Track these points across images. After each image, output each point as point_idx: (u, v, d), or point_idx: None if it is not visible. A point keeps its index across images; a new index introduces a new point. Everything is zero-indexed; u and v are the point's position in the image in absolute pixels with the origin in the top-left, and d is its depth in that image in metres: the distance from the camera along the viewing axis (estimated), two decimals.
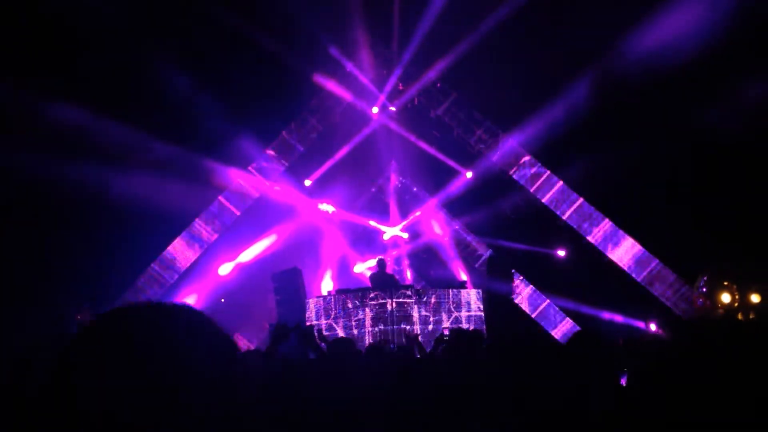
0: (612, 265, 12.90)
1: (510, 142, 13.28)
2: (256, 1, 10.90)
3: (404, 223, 14.95)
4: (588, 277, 12.70)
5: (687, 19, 9.15)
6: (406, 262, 14.98)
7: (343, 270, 14.44)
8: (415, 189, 15.39)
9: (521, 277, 14.15)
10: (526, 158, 13.39)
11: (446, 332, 10.06)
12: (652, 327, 11.98)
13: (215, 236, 13.16)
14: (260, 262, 12.97)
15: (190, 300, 12.26)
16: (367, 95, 13.50)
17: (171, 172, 10.68)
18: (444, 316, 10.77)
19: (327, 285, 13.69)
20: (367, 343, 10.14)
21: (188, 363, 0.93)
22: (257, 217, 13.24)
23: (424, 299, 10.76)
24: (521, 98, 11.56)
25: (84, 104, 9.73)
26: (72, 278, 9.60)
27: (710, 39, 8.80)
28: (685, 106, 10.03)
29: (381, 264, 11.30)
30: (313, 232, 13.92)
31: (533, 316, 14.15)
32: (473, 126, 13.59)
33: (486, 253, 14.44)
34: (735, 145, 9.69)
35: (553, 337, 12.43)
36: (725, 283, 11.30)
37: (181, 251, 12.94)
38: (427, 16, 11.49)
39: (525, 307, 14.16)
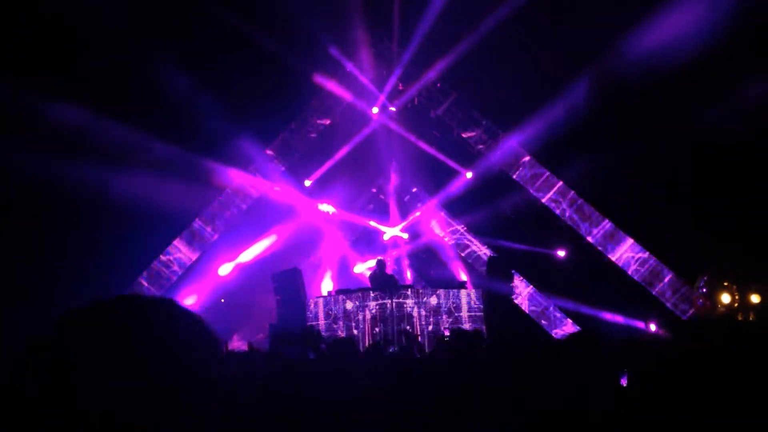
0: (612, 265, 12.90)
1: (510, 142, 13.27)
2: (256, 1, 10.90)
3: (404, 223, 14.95)
4: (588, 277, 12.69)
5: (687, 19, 9.15)
6: (406, 262, 14.98)
7: (343, 270, 14.44)
8: (415, 189, 15.40)
9: (521, 278, 14.15)
10: (526, 158, 13.39)
11: (446, 333, 10.07)
12: (652, 327, 11.98)
13: (215, 236, 13.16)
14: (260, 262, 12.96)
15: (190, 300, 12.27)
16: (367, 95, 13.50)
17: (171, 172, 10.68)
18: (444, 316, 10.77)
19: (327, 285, 13.69)
20: (366, 343, 10.14)
21: (165, 357, 0.93)
22: (257, 217, 13.24)
23: (424, 299, 10.76)
24: (521, 98, 11.56)
25: (84, 104, 9.73)
26: (72, 278, 9.59)
27: (710, 39, 8.80)
28: (685, 106, 10.03)
29: (381, 264, 11.30)
30: (313, 232, 13.92)
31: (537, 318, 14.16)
32: (473, 126, 13.60)
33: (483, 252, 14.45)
34: (735, 145, 9.69)
35: (553, 337, 12.42)
36: (725, 283, 11.30)
37: (181, 251, 12.94)
38: (427, 16, 11.49)
39: (525, 307, 14.17)
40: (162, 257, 12.77)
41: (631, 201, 11.84)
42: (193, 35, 10.80)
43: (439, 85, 13.50)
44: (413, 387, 3.13)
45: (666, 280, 12.65)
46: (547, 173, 13.27)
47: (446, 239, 14.94)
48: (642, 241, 12.72)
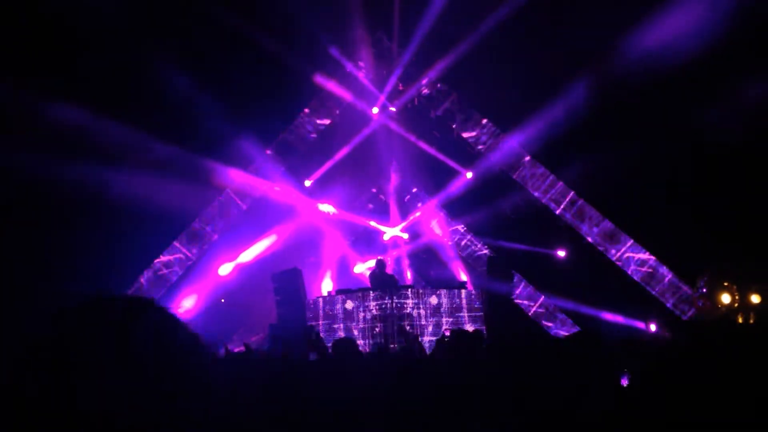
0: (612, 265, 12.90)
1: (510, 142, 13.27)
2: (256, 1, 10.90)
3: (404, 223, 14.95)
4: (588, 277, 12.69)
5: (687, 19, 9.15)
6: (406, 262, 14.98)
7: (343, 270, 14.44)
8: (415, 189, 15.40)
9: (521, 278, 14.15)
10: (526, 158, 13.39)
11: (447, 333, 10.07)
12: (652, 327, 11.98)
13: (215, 236, 13.16)
14: (260, 262, 12.96)
15: (190, 300, 12.27)
16: (367, 95, 13.50)
17: (171, 172, 10.67)
18: (444, 316, 10.77)
19: (327, 285, 13.69)
20: (366, 343, 10.15)
21: (156, 357, 0.92)
22: (257, 217, 13.24)
23: (424, 299, 10.76)
24: (521, 98, 11.56)
25: (84, 104, 9.72)
26: (72, 278, 9.58)
27: (710, 39, 8.80)
28: (685, 106, 10.02)
29: (381, 264, 11.31)
30: (313, 232, 13.92)
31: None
32: (473, 126, 13.59)
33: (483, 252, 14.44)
34: (735, 145, 9.69)
35: (553, 337, 12.42)
36: (725, 284, 11.30)
37: (181, 251, 12.94)
38: (427, 16, 11.49)
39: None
40: (162, 257, 12.77)
41: (631, 201, 11.84)
42: (193, 35, 10.79)
43: (439, 85, 13.50)
44: (413, 387, 3.13)
45: (666, 280, 12.65)
46: (547, 173, 13.26)
47: (446, 240, 14.94)
48: (642, 241, 12.72)
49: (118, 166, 10.25)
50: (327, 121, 13.77)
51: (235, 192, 13.28)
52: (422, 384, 3.15)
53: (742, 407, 1.02)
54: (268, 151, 13.27)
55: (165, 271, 12.77)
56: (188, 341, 0.98)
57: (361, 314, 10.65)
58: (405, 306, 10.55)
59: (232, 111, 11.09)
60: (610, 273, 12.74)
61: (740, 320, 10.72)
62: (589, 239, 13.08)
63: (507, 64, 11.17)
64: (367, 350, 9.75)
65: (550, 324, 14.14)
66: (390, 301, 10.47)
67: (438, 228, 15.01)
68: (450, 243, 14.94)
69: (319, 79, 12.77)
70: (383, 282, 10.96)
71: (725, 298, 11.26)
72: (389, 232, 14.85)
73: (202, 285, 12.58)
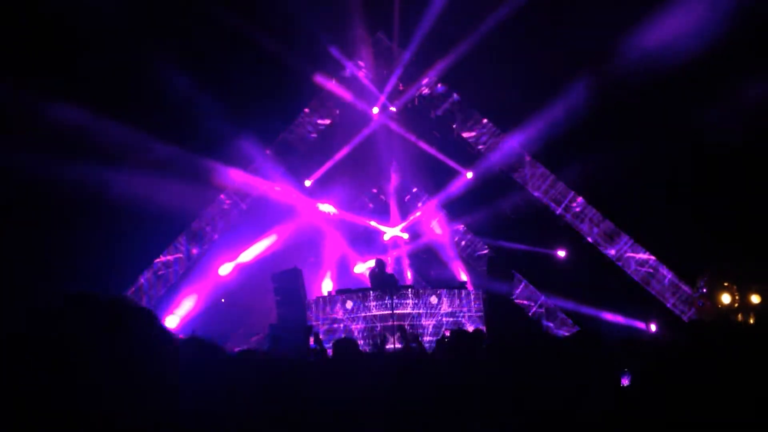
0: (612, 265, 12.90)
1: (510, 142, 13.27)
2: (256, 1, 10.90)
3: (404, 223, 14.95)
4: (588, 277, 12.69)
5: (687, 19, 9.15)
6: (406, 262, 14.98)
7: (343, 270, 14.43)
8: (415, 189, 15.40)
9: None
10: (527, 158, 13.39)
11: (447, 333, 10.07)
12: (653, 327, 11.98)
13: (215, 236, 13.16)
14: (260, 262, 12.96)
15: (190, 300, 12.27)
16: (367, 95, 13.50)
17: (171, 172, 10.67)
18: (444, 316, 10.77)
19: (327, 285, 13.69)
20: (366, 343, 10.14)
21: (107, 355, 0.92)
22: (257, 217, 13.24)
23: (424, 299, 10.76)
24: (521, 98, 11.57)
25: (84, 104, 9.72)
26: (72, 278, 9.58)
27: (710, 39, 8.80)
28: (685, 106, 10.03)
29: (380, 264, 11.31)
30: (313, 232, 13.92)
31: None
32: (473, 126, 13.60)
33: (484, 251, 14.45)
34: (735, 144, 9.69)
35: (553, 337, 12.41)
36: (725, 284, 11.30)
37: (181, 251, 12.94)
38: (427, 16, 11.50)
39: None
40: (162, 257, 12.76)
41: (631, 201, 11.84)
42: (193, 35, 10.79)
43: (439, 85, 13.50)
44: (413, 387, 3.13)
45: (666, 280, 12.65)
46: (547, 173, 13.27)
47: (446, 239, 14.94)
48: (642, 241, 12.72)
49: (118, 166, 10.25)
50: (327, 121, 13.77)
51: (235, 192, 13.28)
52: (422, 384, 3.15)
53: (742, 407, 1.02)
54: (268, 151, 13.27)
55: (165, 271, 12.77)
56: (157, 336, 0.98)
57: (361, 314, 10.66)
58: (405, 306, 10.56)
59: (232, 111, 11.10)
60: (610, 273, 12.74)
61: (740, 320, 10.73)
62: (589, 239, 13.08)
63: (507, 64, 11.17)
64: (367, 350, 9.76)
65: (550, 324, 14.14)
66: (390, 301, 10.48)
67: (438, 228, 15.01)
68: (450, 243, 14.94)
69: (319, 79, 12.77)
70: (383, 282, 10.96)
71: (725, 298, 11.26)
72: (389, 232, 14.85)
73: (202, 285, 12.57)
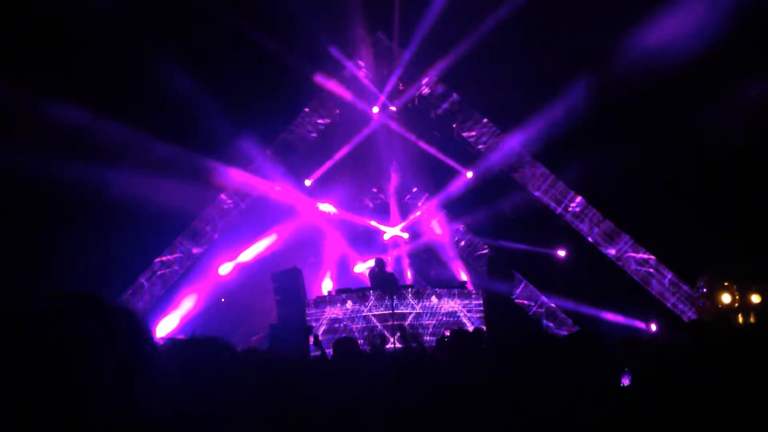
0: (612, 265, 12.90)
1: (510, 142, 13.27)
2: (256, 1, 10.90)
3: (404, 223, 14.95)
4: (588, 278, 12.69)
5: (687, 19, 9.16)
6: (406, 261, 14.98)
7: (343, 270, 14.43)
8: (415, 189, 15.40)
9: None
10: (527, 158, 13.39)
11: (447, 333, 10.07)
12: (653, 327, 11.98)
13: (215, 236, 13.16)
14: (260, 261, 12.96)
15: (190, 299, 12.27)
16: (367, 95, 13.50)
17: (171, 172, 10.68)
18: (444, 316, 10.77)
19: (327, 285, 13.68)
20: (366, 343, 10.14)
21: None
22: (257, 217, 13.24)
23: (424, 299, 10.76)
24: (521, 98, 11.57)
25: (84, 104, 9.72)
26: (72, 278, 9.59)
27: (710, 39, 8.80)
28: (685, 106, 10.03)
29: (380, 263, 11.30)
30: (313, 232, 13.91)
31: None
32: (473, 126, 13.60)
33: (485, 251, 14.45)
34: (735, 144, 9.69)
35: (553, 337, 12.41)
36: (725, 283, 11.31)
37: (181, 251, 12.94)
38: (427, 16, 11.50)
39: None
40: (162, 257, 12.77)
41: (631, 201, 11.85)
42: (193, 35, 10.79)
43: (439, 85, 13.50)
44: (413, 387, 3.13)
45: (666, 280, 12.66)
46: (547, 173, 13.27)
47: (446, 239, 14.94)
48: (642, 241, 12.72)
49: (118, 166, 10.26)
50: (327, 121, 13.77)
51: (235, 192, 13.28)
52: (422, 384, 3.15)
53: (742, 407, 1.02)
54: (268, 151, 13.27)
55: (165, 270, 12.77)
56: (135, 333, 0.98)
57: (361, 314, 10.65)
58: (405, 306, 10.56)
59: (232, 111, 11.10)
60: (610, 273, 12.74)
61: (740, 320, 10.74)
62: (589, 239, 13.08)
63: (507, 64, 11.17)
64: (367, 350, 9.75)
65: (550, 324, 14.14)
66: (390, 300, 10.47)
67: (438, 228, 15.00)
68: (450, 243, 14.94)
69: (319, 79, 12.77)
70: (383, 281, 10.95)
71: (725, 298, 11.26)
72: (389, 232, 14.85)
73: (202, 284, 12.58)
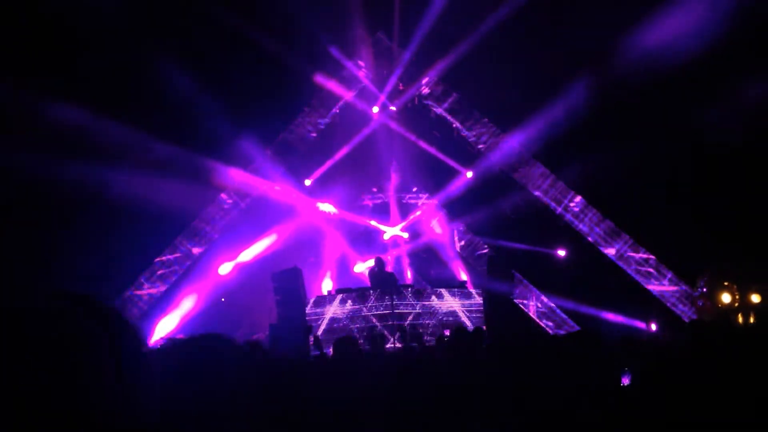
0: (612, 265, 12.91)
1: (510, 142, 13.27)
2: (256, 1, 10.91)
3: (404, 223, 14.95)
4: (588, 277, 12.70)
5: (687, 19, 9.16)
6: (406, 261, 14.98)
7: (343, 270, 14.43)
8: (415, 189, 15.40)
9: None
10: (527, 158, 13.39)
11: (447, 333, 10.07)
12: (653, 327, 11.98)
13: (215, 235, 13.16)
14: (260, 261, 12.96)
15: (190, 299, 12.28)
16: (368, 95, 13.50)
17: (171, 172, 10.68)
18: (444, 315, 10.77)
19: (327, 285, 13.68)
20: (366, 342, 10.14)
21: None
22: (257, 217, 13.24)
23: (424, 299, 10.76)
24: (521, 98, 11.57)
25: (84, 104, 9.73)
26: (72, 278, 9.59)
27: (710, 39, 8.81)
28: (685, 106, 10.03)
29: (380, 263, 11.30)
30: (313, 232, 13.91)
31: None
32: (473, 126, 13.60)
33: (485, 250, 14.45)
34: (735, 144, 9.70)
35: (553, 337, 12.41)
36: (725, 283, 11.31)
37: (181, 251, 12.94)
38: (427, 16, 11.50)
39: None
40: (162, 257, 12.77)
41: (631, 201, 11.85)
42: (193, 35, 10.80)
43: (439, 85, 13.50)
44: (413, 387, 3.13)
45: (666, 280, 12.66)
46: (547, 173, 13.27)
47: (446, 239, 14.94)
48: (642, 241, 12.73)
49: (118, 166, 10.26)
50: (327, 121, 13.77)
51: (235, 192, 13.28)
52: (422, 384, 3.15)
53: (742, 407, 1.02)
54: (268, 151, 13.27)
55: (165, 270, 12.77)
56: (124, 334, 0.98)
57: (361, 314, 10.65)
58: (405, 305, 10.55)
59: (232, 111, 11.10)
60: (610, 273, 12.74)
61: (740, 320, 10.74)
62: (590, 239, 13.08)
63: (507, 64, 11.17)
64: (367, 348, 9.75)
65: (550, 324, 14.15)
66: (390, 300, 10.47)
67: (438, 227, 15.01)
68: (450, 243, 14.94)
69: (319, 79, 12.77)
70: (383, 281, 10.95)
71: (725, 298, 11.26)
72: (389, 232, 14.85)
73: (202, 284, 12.58)
